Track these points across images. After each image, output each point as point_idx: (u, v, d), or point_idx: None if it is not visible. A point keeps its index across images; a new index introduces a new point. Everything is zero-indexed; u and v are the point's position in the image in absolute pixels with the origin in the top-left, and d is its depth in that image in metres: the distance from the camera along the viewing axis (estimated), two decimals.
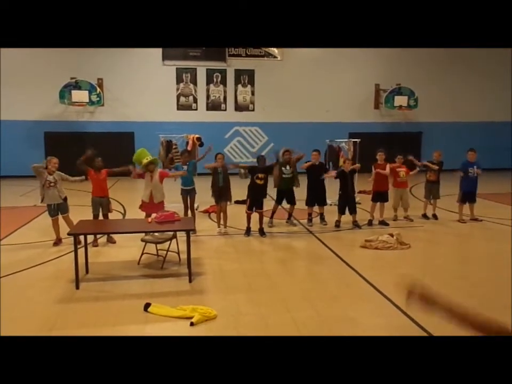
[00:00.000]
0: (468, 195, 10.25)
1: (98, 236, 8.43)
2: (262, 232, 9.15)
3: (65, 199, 8.35)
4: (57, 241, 8.37)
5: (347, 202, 9.72)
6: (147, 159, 8.39)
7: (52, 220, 8.33)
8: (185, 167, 9.34)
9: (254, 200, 9.07)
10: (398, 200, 10.35)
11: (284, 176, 9.69)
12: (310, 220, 10.04)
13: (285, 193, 9.84)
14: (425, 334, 4.91)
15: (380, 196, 10.04)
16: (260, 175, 9.00)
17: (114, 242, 8.51)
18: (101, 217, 8.55)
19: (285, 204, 10.08)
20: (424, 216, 10.60)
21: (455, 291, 6.25)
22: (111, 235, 8.48)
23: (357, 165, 10.15)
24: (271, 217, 9.90)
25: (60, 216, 8.33)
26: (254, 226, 9.21)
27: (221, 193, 9.14)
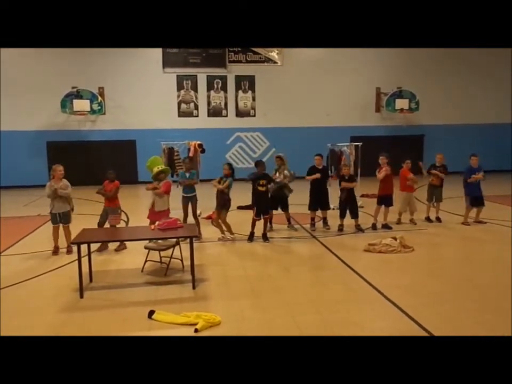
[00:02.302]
0: (476, 199, 10.20)
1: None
2: (265, 237, 9.13)
3: (71, 208, 8.40)
4: (55, 250, 8.40)
5: (348, 206, 9.71)
6: (158, 168, 8.47)
7: (53, 228, 8.36)
8: (187, 174, 9.35)
9: (261, 207, 9.07)
10: (405, 205, 10.30)
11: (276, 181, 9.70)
12: (313, 225, 10.02)
13: (279, 199, 9.81)
14: (429, 336, 4.88)
15: (385, 200, 10.00)
16: (261, 182, 8.98)
17: (124, 248, 8.59)
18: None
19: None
20: (428, 219, 10.57)
21: (458, 294, 6.23)
22: (120, 243, 8.55)
23: (355, 184, 10.03)
24: (270, 223, 9.87)
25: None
26: (257, 232, 9.20)
27: (222, 202, 9.14)
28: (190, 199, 9.27)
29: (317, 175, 9.71)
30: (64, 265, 7.72)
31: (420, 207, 10.96)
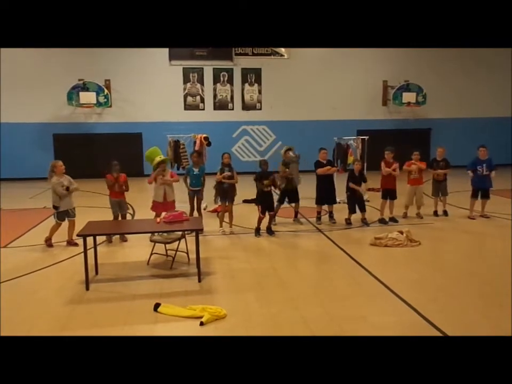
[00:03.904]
0: (479, 191, 10.16)
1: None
2: (270, 230, 9.13)
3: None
4: (50, 243, 8.42)
5: (356, 201, 9.69)
6: (160, 157, 8.61)
7: (57, 224, 8.38)
8: (195, 170, 9.32)
9: (266, 204, 9.06)
10: (412, 198, 10.26)
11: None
12: (318, 218, 10.00)
13: (288, 192, 9.78)
14: (435, 331, 4.87)
15: (388, 194, 9.98)
16: (265, 182, 8.96)
17: (126, 240, 8.68)
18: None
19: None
20: (435, 213, 10.52)
21: (465, 288, 6.21)
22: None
23: (362, 188, 9.99)
24: (274, 216, 9.84)
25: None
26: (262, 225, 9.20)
27: (225, 194, 9.15)
28: (196, 193, 9.29)
29: (333, 169, 9.88)
30: (70, 257, 7.75)
31: (427, 201, 10.91)
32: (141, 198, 11.44)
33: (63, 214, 8.31)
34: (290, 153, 9.63)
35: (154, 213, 8.62)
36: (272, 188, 9.18)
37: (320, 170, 9.73)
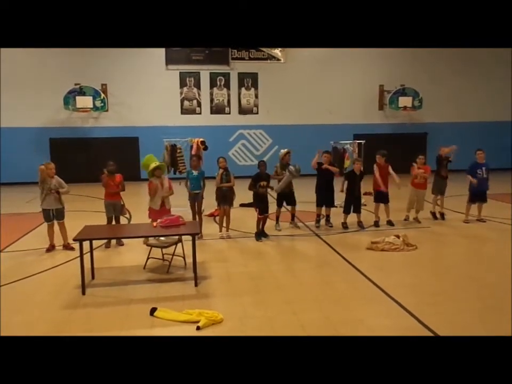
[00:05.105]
0: (477, 195, 10.16)
1: None
2: (264, 233, 9.14)
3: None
4: (50, 248, 8.39)
5: (353, 202, 9.70)
6: (155, 163, 8.43)
7: (48, 225, 8.36)
8: (195, 172, 9.26)
9: (263, 206, 9.07)
10: (413, 201, 10.27)
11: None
12: (317, 221, 9.99)
13: (285, 196, 9.77)
14: (432, 335, 4.86)
15: (380, 196, 10.00)
16: (262, 184, 8.97)
17: (122, 244, 8.66)
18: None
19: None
20: (433, 214, 10.53)
21: (461, 292, 6.20)
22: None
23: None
24: (277, 222, 9.86)
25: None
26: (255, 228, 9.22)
27: (225, 197, 9.13)
28: (196, 197, 9.24)
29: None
30: (66, 262, 7.72)
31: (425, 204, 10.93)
32: (137, 202, 11.43)
33: (47, 214, 8.27)
34: (292, 167, 9.54)
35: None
36: (268, 189, 9.19)
37: (329, 167, 9.69)
